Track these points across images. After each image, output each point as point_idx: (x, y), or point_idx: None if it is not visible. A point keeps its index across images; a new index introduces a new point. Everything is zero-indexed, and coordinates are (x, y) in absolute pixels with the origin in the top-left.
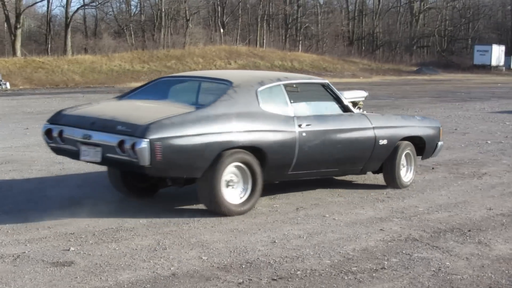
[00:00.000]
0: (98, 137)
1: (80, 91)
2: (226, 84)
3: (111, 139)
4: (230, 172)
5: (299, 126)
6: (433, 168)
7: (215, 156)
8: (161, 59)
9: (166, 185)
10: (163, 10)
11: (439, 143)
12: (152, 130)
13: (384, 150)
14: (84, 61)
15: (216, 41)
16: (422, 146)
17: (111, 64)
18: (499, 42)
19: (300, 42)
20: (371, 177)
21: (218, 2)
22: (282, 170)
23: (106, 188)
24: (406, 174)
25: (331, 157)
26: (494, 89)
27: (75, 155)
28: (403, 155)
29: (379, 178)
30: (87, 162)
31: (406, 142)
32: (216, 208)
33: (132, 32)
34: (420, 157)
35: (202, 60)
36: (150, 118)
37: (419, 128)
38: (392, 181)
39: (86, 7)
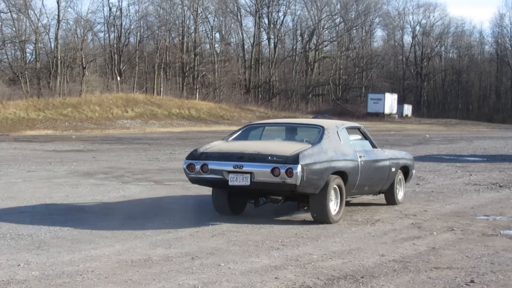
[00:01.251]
0: (249, 166)
1: None
2: (320, 128)
3: (264, 168)
4: (332, 189)
5: (360, 157)
6: None
7: (327, 177)
8: (57, 107)
9: (259, 204)
10: (59, 57)
11: (413, 170)
12: (301, 158)
13: (393, 175)
14: None
15: (113, 89)
16: (406, 172)
17: (6, 112)
18: (391, 91)
19: (197, 90)
20: (266, 225)
21: (115, 50)
22: (351, 189)
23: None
24: (399, 193)
25: (372, 179)
26: (387, 136)
27: (217, 182)
28: (399, 179)
29: (275, 227)
30: (235, 185)
31: (400, 170)
32: (323, 218)
33: (27, 80)
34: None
35: (98, 108)
36: (291, 150)
37: (406, 159)
38: (392, 199)
39: None
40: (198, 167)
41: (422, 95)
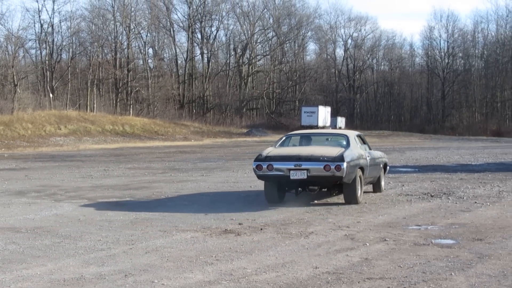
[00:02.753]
0: (306, 165)
1: None
2: (345, 136)
3: (318, 165)
4: (358, 179)
5: (367, 156)
6: (261, 229)
7: (356, 171)
8: None
9: (298, 193)
10: None
11: (388, 166)
12: (345, 157)
13: (380, 169)
14: None
15: (45, 106)
16: (385, 168)
17: None
18: (325, 104)
19: (131, 106)
20: (200, 240)
21: (47, 67)
22: (364, 180)
23: None
24: (382, 183)
25: (372, 173)
26: None
27: (280, 177)
28: (382, 172)
29: (209, 242)
30: (295, 179)
31: (382, 166)
32: (354, 200)
33: None
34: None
35: (31, 125)
36: (335, 152)
37: (385, 158)
38: (379, 187)
39: None
40: (265, 167)
41: (355, 107)
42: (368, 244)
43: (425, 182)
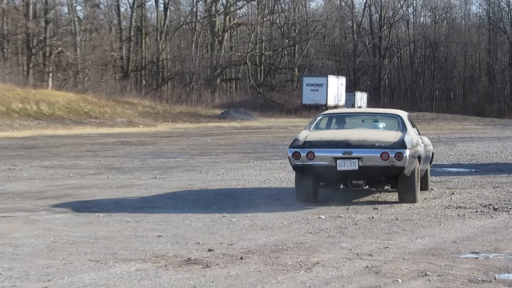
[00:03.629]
0: (358, 152)
1: None
2: (398, 117)
3: (373, 153)
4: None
5: (421, 142)
6: (242, 258)
7: (415, 161)
8: None
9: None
10: None
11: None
12: (407, 143)
13: (429, 160)
14: None
15: None
16: (432, 158)
17: None
18: (337, 72)
19: (51, 74)
20: (150, 275)
21: None
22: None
23: None
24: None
25: (425, 163)
26: None
27: (323, 168)
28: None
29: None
30: (343, 170)
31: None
32: (413, 198)
33: None
34: None
35: None
36: (392, 137)
37: (432, 146)
38: (426, 185)
39: None
40: (304, 154)
41: (382, 79)
42: (400, 280)
43: (485, 189)
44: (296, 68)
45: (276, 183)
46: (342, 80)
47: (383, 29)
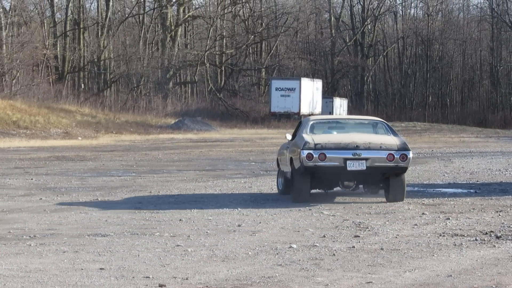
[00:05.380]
0: (367, 154)
1: None
2: (383, 123)
3: (380, 154)
4: None
5: None
6: None
7: None
8: None
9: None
10: None
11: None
12: (408, 146)
13: None
14: None
15: None
16: None
17: None
18: (312, 75)
19: None
20: None
21: None
22: None
23: None
24: None
25: None
26: None
27: (334, 169)
28: None
29: None
30: (352, 170)
31: None
32: (401, 197)
33: None
34: None
35: None
36: (393, 140)
37: None
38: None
39: None
40: (316, 156)
41: (366, 82)
42: None
43: (486, 213)
44: (264, 70)
45: (239, 206)
46: (318, 83)
47: (366, 23)
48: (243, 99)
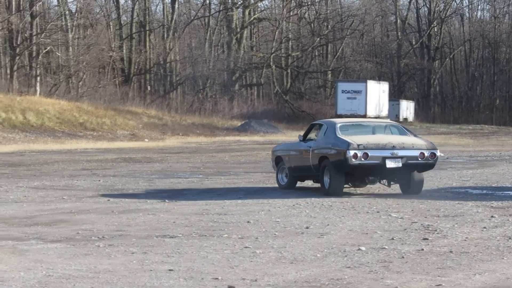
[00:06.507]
0: (402, 153)
1: None
2: (399, 126)
3: (414, 153)
4: None
5: None
6: None
7: None
8: None
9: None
10: None
11: None
12: (435, 146)
13: None
14: None
15: None
16: None
17: None
18: (378, 77)
19: (39, 78)
20: None
21: None
22: None
23: None
24: None
25: None
26: None
27: (375, 166)
28: None
29: None
30: (391, 167)
31: None
32: (420, 190)
33: None
34: None
35: None
36: (421, 140)
37: None
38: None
39: None
40: (360, 155)
41: (432, 85)
42: None
43: None
44: (329, 72)
45: (307, 208)
46: (384, 86)
47: (432, 25)
48: (309, 101)
